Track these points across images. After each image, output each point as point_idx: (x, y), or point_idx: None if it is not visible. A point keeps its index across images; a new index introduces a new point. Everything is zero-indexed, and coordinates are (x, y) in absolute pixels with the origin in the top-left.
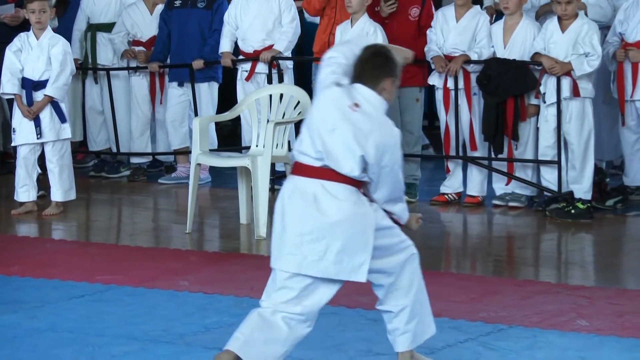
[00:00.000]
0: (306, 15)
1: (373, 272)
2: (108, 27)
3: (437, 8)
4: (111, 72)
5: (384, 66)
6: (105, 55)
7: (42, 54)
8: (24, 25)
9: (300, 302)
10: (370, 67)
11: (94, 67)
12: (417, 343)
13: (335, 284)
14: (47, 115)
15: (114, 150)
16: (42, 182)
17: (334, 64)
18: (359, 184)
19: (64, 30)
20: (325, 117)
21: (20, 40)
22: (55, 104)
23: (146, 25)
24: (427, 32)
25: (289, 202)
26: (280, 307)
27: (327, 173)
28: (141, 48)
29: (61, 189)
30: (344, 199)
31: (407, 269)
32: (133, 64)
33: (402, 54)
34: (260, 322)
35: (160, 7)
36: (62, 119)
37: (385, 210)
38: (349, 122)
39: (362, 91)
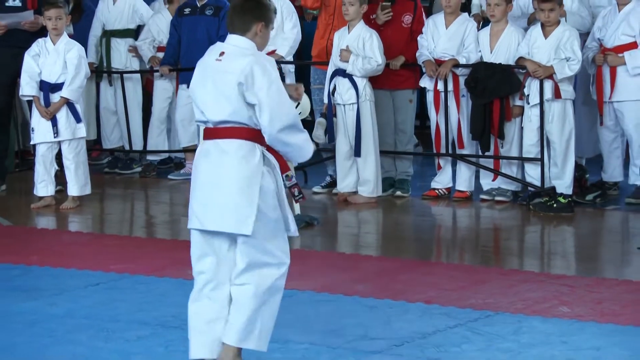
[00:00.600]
0: (305, 21)
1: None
2: (121, 33)
3: (427, 16)
4: (124, 75)
5: (254, 10)
6: (119, 59)
7: (59, 59)
8: (42, 31)
9: (203, 258)
10: (240, 13)
11: (109, 70)
12: (241, 344)
13: (231, 237)
14: (63, 116)
15: (127, 148)
16: (60, 177)
17: None
18: (254, 136)
19: (80, 36)
20: (198, 81)
21: (38, 45)
22: (70, 105)
23: None
24: (418, 38)
25: (195, 167)
26: (207, 277)
27: (219, 131)
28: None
29: (77, 184)
30: (232, 153)
31: (254, 292)
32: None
33: (293, 90)
34: (215, 308)
35: None
36: (78, 119)
37: (284, 144)
38: (215, 71)
39: (231, 40)
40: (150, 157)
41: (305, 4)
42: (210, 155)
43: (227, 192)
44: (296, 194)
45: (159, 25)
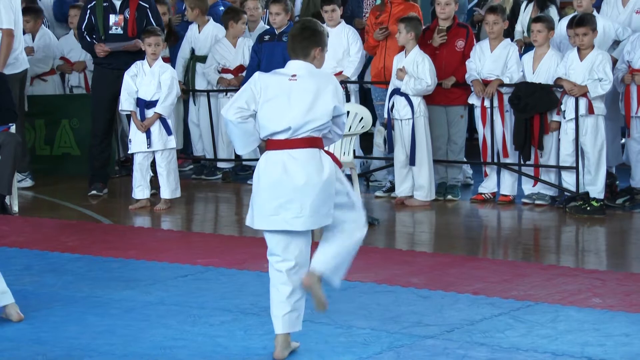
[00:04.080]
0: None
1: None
2: (204, 59)
3: (477, 40)
4: (210, 93)
5: (312, 37)
6: (201, 81)
7: (154, 79)
8: (139, 53)
9: (289, 255)
10: (300, 40)
11: (192, 89)
12: (328, 273)
13: (308, 232)
14: (156, 129)
15: (209, 157)
16: (154, 182)
17: None
18: (319, 143)
19: (175, 57)
20: (277, 101)
21: (136, 67)
22: (163, 120)
23: (231, 56)
24: (467, 62)
25: (263, 173)
26: (281, 266)
27: (291, 143)
28: (230, 75)
29: (168, 189)
30: (308, 164)
31: (345, 227)
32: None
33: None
34: (286, 291)
35: (240, 40)
36: (169, 132)
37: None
38: (296, 90)
39: (294, 65)
40: (222, 165)
41: (367, 51)
42: (288, 167)
43: (312, 197)
44: None
45: (220, 53)
